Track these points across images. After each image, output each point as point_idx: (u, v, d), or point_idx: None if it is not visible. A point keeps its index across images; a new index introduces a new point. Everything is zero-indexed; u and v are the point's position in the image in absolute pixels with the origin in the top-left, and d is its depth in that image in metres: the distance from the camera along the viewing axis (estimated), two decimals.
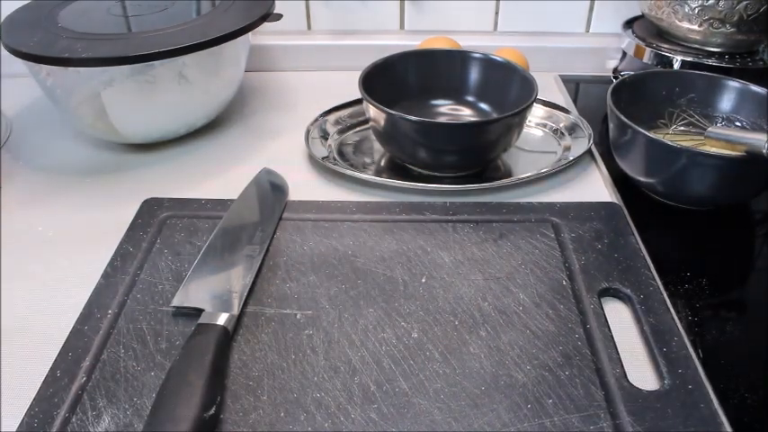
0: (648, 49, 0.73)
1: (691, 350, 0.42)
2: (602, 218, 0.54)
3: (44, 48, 0.59)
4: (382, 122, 0.59)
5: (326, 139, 0.67)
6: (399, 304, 0.46)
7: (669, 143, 0.53)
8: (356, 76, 0.61)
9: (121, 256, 0.51)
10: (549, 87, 0.80)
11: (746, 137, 0.52)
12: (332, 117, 0.69)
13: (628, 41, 0.76)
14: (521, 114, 0.58)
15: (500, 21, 0.84)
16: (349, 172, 0.60)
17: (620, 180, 0.60)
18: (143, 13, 0.67)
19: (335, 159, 0.63)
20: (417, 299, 0.46)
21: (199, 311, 0.44)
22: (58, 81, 0.63)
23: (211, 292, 0.46)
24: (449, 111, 0.69)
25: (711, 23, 0.68)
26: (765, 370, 0.42)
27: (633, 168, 0.57)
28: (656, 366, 0.41)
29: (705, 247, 0.54)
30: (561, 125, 0.68)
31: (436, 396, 0.39)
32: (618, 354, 0.41)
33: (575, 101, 0.77)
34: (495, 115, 0.66)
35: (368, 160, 0.65)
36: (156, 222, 0.54)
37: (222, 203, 0.56)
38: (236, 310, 0.44)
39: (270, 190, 0.58)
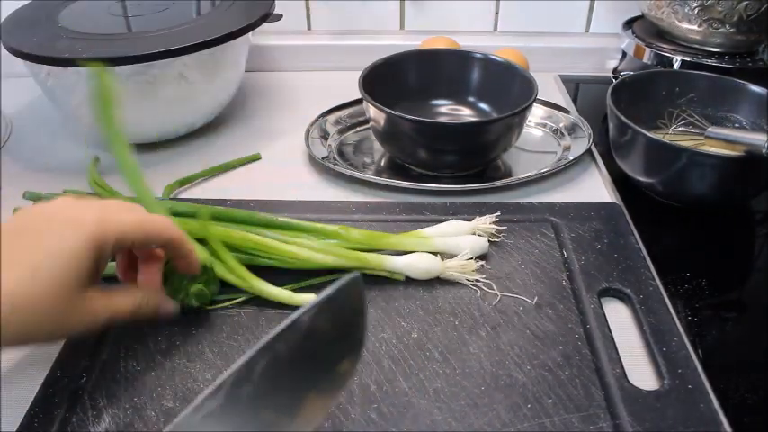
0: (648, 49, 0.73)
1: (690, 350, 0.42)
2: (601, 218, 0.54)
3: (44, 48, 0.59)
4: (382, 122, 0.59)
5: (326, 139, 0.67)
6: (399, 304, 0.46)
7: (669, 143, 0.53)
8: (356, 76, 0.61)
9: None
10: (549, 87, 0.80)
11: (746, 137, 0.52)
12: (332, 117, 0.69)
13: (628, 41, 0.76)
14: (521, 114, 0.58)
15: (500, 21, 0.84)
16: (349, 172, 0.60)
17: (620, 180, 0.60)
18: (143, 13, 0.67)
19: (335, 159, 0.63)
20: (417, 299, 0.46)
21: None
22: (58, 81, 0.63)
23: None
24: (449, 111, 0.69)
25: (711, 24, 0.68)
26: (765, 370, 0.42)
27: (633, 168, 0.57)
28: (656, 366, 0.41)
29: (705, 247, 0.54)
30: (561, 125, 0.68)
31: (436, 396, 0.39)
32: (618, 354, 0.41)
33: (574, 101, 0.77)
34: (495, 115, 0.66)
35: (368, 160, 0.65)
36: None
37: (222, 203, 0.56)
38: None
39: None
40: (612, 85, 0.60)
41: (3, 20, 0.66)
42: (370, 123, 0.62)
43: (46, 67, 0.61)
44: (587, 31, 0.85)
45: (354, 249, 0.48)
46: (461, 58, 0.68)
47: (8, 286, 0.32)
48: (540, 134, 0.68)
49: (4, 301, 0.32)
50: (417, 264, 0.47)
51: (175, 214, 0.49)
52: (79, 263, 0.35)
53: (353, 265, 0.46)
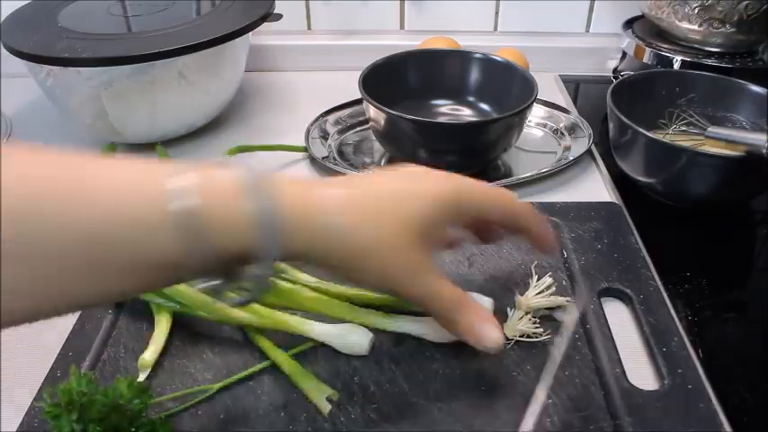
0: (648, 49, 0.73)
1: (690, 350, 0.42)
2: (601, 218, 0.54)
3: (44, 48, 0.59)
4: (382, 122, 0.59)
5: (326, 139, 0.67)
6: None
7: (669, 143, 0.53)
8: (356, 76, 0.61)
9: None
10: (549, 87, 0.80)
11: (746, 137, 0.52)
12: (332, 117, 0.69)
13: (628, 41, 0.76)
14: (521, 114, 0.58)
15: (500, 21, 0.84)
16: (349, 172, 0.60)
17: (620, 180, 0.60)
18: (143, 13, 0.67)
19: (335, 159, 0.63)
20: None
21: None
22: (58, 81, 0.63)
23: None
24: (449, 111, 0.69)
25: (711, 23, 0.68)
26: (765, 370, 0.42)
27: (633, 168, 0.57)
28: (656, 366, 0.41)
29: (705, 247, 0.54)
30: (561, 125, 0.68)
31: (436, 396, 0.39)
32: (618, 354, 0.41)
33: (575, 101, 0.77)
34: (495, 115, 0.66)
35: (368, 160, 0.65)
36: None
37: None
38: None
39: None
40: (612, 85, 0.60)
41: (3, 20, 0.66)
42: (370, 123, 0.62)
43: (46, 67, 0.61)
44: (587, 31, 0.85)
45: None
46: (461, 58, 0.68)
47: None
48: (540, 134, 0.68)
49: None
50: (344, 336, 0.42)
51: None
52: (435, 209, 0.36)
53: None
